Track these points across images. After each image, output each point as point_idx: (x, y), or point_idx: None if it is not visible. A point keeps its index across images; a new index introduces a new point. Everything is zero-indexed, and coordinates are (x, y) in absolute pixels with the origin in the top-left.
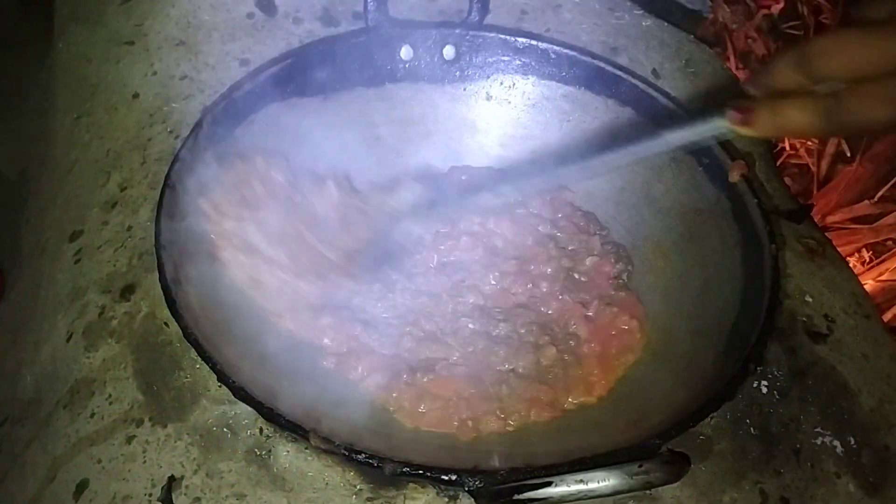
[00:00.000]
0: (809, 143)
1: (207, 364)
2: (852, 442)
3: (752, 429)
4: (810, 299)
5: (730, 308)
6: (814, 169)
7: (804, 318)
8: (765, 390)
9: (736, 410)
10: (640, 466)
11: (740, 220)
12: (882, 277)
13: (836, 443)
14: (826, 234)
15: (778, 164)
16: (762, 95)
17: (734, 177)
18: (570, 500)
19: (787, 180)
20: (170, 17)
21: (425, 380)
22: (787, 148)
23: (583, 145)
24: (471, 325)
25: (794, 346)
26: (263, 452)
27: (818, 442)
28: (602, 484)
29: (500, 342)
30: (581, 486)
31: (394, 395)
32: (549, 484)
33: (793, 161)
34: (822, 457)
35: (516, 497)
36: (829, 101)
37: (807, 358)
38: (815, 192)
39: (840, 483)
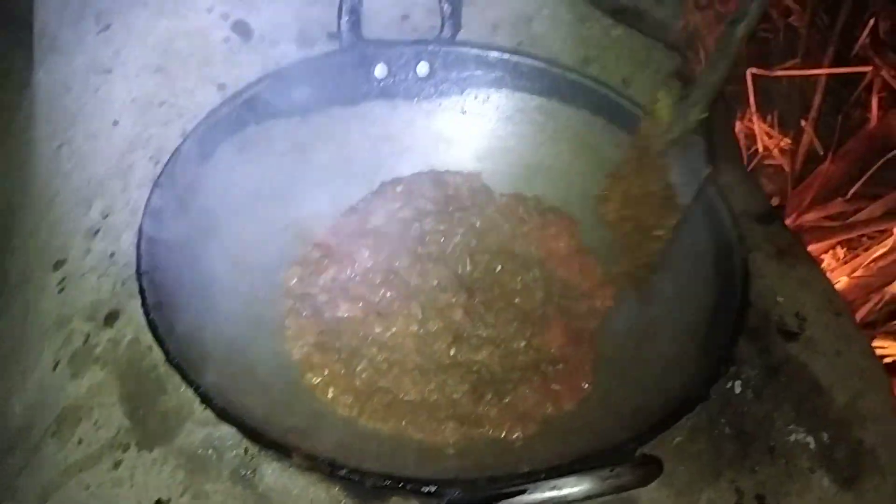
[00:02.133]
0: (782, 143)
1: (190, 387)
2: (826, 438)
3: (727, 428)
4: (782, 299)
5: (704, 311)
6: (787, 169)
7: (776, 318)
8: (739, 390)
9: (711, 411)
10: (612, 471)
11: (711, 224)
12: (856, 274)
13: (810, 439)
14: (801, 232)
15: (752, 165)
16: None
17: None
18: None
19: (764, 181)
20: (147, 44)
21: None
22: (761, 149)
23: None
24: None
25: (766, 346)
26: (248, 472)
27: (792, 439)
28: (575, 489)
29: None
30: (554, 493)
31: (366, 411)
32: (523, 491)
33: (767, 162)
34: (796, 453)
35: None
36: None
37: (780, 356)
38: (789, 191)
39: (814, 478)
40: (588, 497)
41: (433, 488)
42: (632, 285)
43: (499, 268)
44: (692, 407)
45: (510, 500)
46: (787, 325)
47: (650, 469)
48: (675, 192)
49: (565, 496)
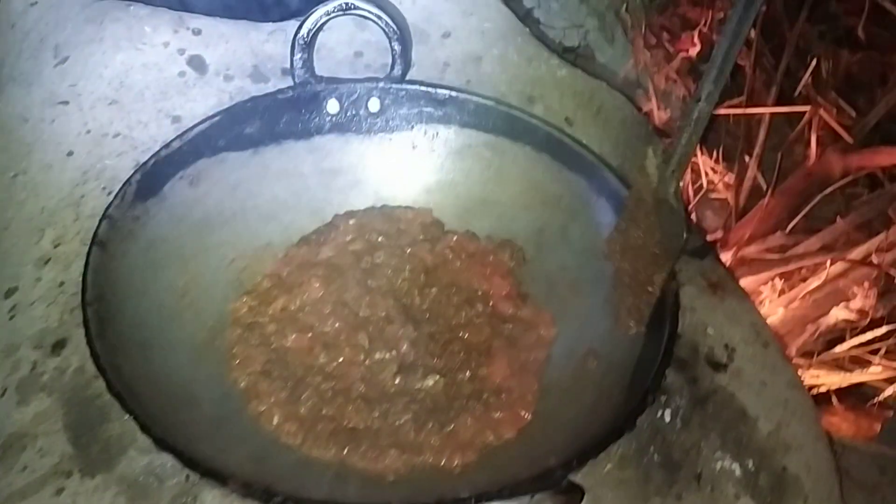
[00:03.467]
0: (727, 177)
1: (130, 415)
2: (751, 465)
3: (655, 456)
4: (712, 331)
5: (635, 343)
6: (731, 203)
7: (706, 350)
8: (668, 419)
9: (641, 439)
10: (532, 497)
11: None
12: (793, 305)
13: (735, 466)
14: (742, 264)
15: (697, 198)
16: None
17: None
18: None
19: (708, 213)
20: (103, 77)
21: (346, 424)
22: (706, 184)
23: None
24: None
25: (695, 376)
26: (189, 499)
27: (718, 466)
28: None
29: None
30: None
31: (309, 439)
32: None
33: (713, 196)
34: (721, 480)
35: None
36: None
37: (708, 387)
38: (733, 225)
39: None
40: None
41: None
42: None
43: (446, 301)
44: (618, 436)
45: None
46: (715, 357)
47: (571, 496)
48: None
49: None
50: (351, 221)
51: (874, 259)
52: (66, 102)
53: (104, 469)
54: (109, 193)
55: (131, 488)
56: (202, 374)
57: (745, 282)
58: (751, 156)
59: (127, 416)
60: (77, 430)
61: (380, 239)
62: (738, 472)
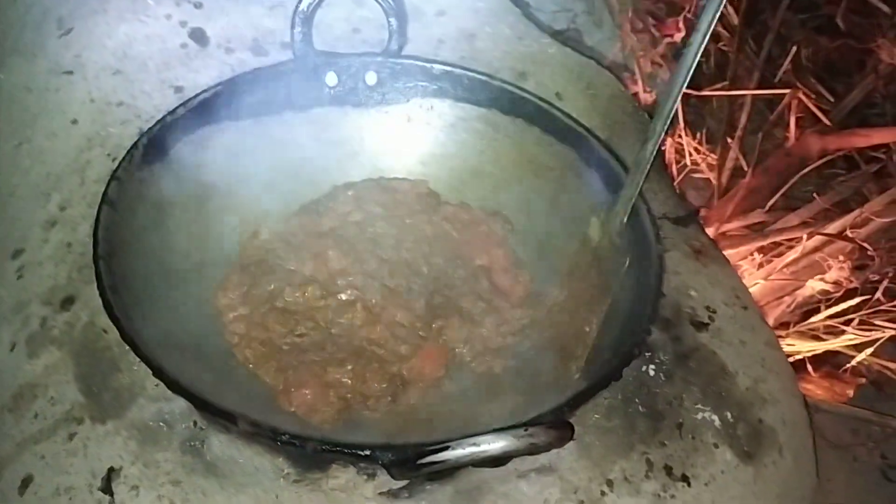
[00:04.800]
0: (710, 158)
1: (143, 361)
2: (729, 416)
3: (640, 407)
4: (694, 293)
5: (624, 302)
6: (714, 182)
7: (689, 310)
8: (652, 373)
9: (626, 391)
10: (526, 430)
11: (633, 225)
12: (771, 278)
13: (715, 417)
14: (723, 239)
15: (682, 177)
16: None
17: None
18: (466, 461)
19: (692, 192)
20: (106, 47)
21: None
22: (690, 164)
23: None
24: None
25: (679, 335)
26: (197, 443)
27: (699, 417)
28: (492, 445)
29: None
30: (474, 448)
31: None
32: (447, 448)
33: (696, 175)
34: (702, 430)
35: (419, 462)
36: None
37: (690, 344)
38: (715, 202)
39: (718, 452)
40: (505, 453)
41: (368, 452)
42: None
43: (452, 272)
44: (605, 385)
45: (434, 455)
46: (698, 317)
47: (562, 430)
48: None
49: (483, 451)
50: (350, 192)
51: (849, 234)
52: (71, 72)
53: (115, 416)
54: (114, 159)
55: (141, 433)
56: (207, 328)
57: (727, 255)
58: (733, 137)
59: (137, 367)
60: (87, 380)
61: (378, 210)
62: (717, 422)
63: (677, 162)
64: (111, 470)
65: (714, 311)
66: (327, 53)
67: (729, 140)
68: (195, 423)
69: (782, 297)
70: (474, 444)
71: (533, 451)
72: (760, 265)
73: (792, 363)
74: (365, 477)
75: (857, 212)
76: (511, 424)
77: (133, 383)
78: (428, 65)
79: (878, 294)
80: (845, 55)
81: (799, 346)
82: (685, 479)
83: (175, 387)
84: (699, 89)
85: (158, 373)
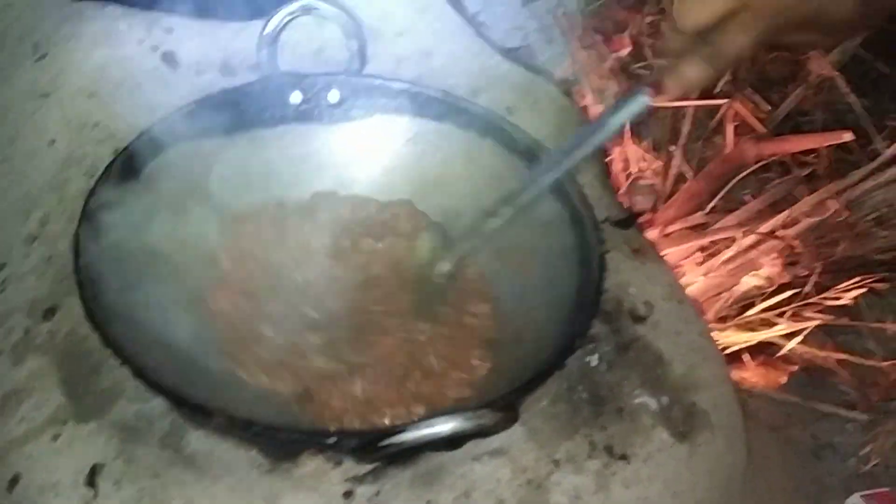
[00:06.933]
0: (654, 165)
1: (123, 362)
2: (665, 400)
3: (584, 394)
4: (634, 290)
5: (569, 298)
6: (659, 187)
7: (628, 305)
8: (595, 363)
9: (571, 380)
10: (475, 412)
11: (576, 228)
12: (710, 275)
13: (652, 401)
14: (667, 239)
15: (629, 183)
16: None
17: None
18: (422, 441)
19: (639, 197)
20: (81, 71)
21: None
22: (636, 171)
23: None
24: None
25: (619, 328)
26: (176, 438)
27: (637, 401)
28: (443, 426)
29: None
30: (427, 430)
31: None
32: (403, 430)
33: (642, 181)
34: (640, 413)
35: (380, 444)
36: (706, 49)
37: (629, 336)
38: (660, 207)
39: (654, 433)
40: (455, 433)
41: (334, 440)
42: None
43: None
44: (549, 374)
45: (391, 438)
46: (637, 311)
47: (507, 413)
48: None
49: (436, 432)
50: (317, 204)
51: (780, 233)
52: (47, 95)
53: (98, 416)
54: (92, 177)
55: (123, 431)
56: (187, 333)
57: (670, 254)
58: (676, 145)
59: (118, 370)
60: (71, 384)
61: (343, 221)
62: (654, 406)
63: (624, 170)
64: (95, 466)
65: (652, 306)
66: (292, 73)
67: (672, 148)
68: (174, 420)
69: (721, 292)
70: (428, 426)
71: (481, 431)
72: (701, 263)
73: (730, 353)
74: (332, 464)
75: (787, 212)
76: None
77: (114, 385)
78: (387, 82)
79: (808, 287)
80: (780, 67)
81: (737, 338)
82: (624, 457)
83: (153, 386)
84: None
85: (138, 373)
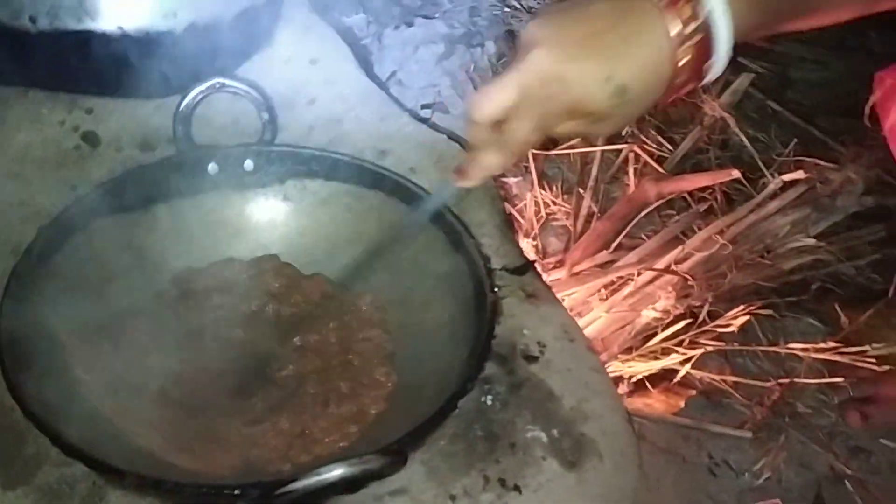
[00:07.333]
0: (566, 207)
1: (44, 433)
2: (556, 433)
3: (479, 432)
4: (527, 332)
5: (466, 342)
6: (571, 228)
7: (522, 346)
8: (490, 402)
9: (468, 419)
10: (362, 458)
11: (473, 276)
12: (613, 310)
13: (543, 435)
14: (574, 278)
15: (541, 225)
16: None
17: None
18: (313, 488)
19: (552, 238)
20: (6, 154)
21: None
22: (546, 214)
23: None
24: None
25: (513, 368)
26: (97, 499)
27: (529, 436)
28: (333, 473)
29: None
30: (317, 477)
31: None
32: (295, 479)
33: (555, 222)
34: (531, 446)
35: (276, 493)
36: (500, 139)
37: (523, 375)
38: (571, 245)
39: (545, 464)
40: (344, 479)
41: (238, 491)
42: None
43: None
44: (443, 417)
45: (286, 487)
46: (530, 352)
47: (395, 458)
48: None
49: (325, 479)
50: (234, 267)
51: (673, 267)
52: None
53: (24, 482)
54: (17, 255)
55: (47, 495)
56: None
57: (576, 292)
58: (585, 187)
59: (41, 438)
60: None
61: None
62: (545, 438)
63: (536, 213)
64: None
65: (544, 346)
66: (207, 147)
67: (581, 190)
68: (94, 483)
69: (625, 325)
70: (317, 474)
71: (369, 475)
72: (605, 299)
73: (636, 382)
74: None
75: (680, 248)
76: (350, 456)
77: (38, 452)
78: (298, 150)
79: (702, 316)
80: (681, 109)
81: (640, 367)
82: (517, 488)
83: (69, 451)
84: (555, 146)
85: (55, 440)
